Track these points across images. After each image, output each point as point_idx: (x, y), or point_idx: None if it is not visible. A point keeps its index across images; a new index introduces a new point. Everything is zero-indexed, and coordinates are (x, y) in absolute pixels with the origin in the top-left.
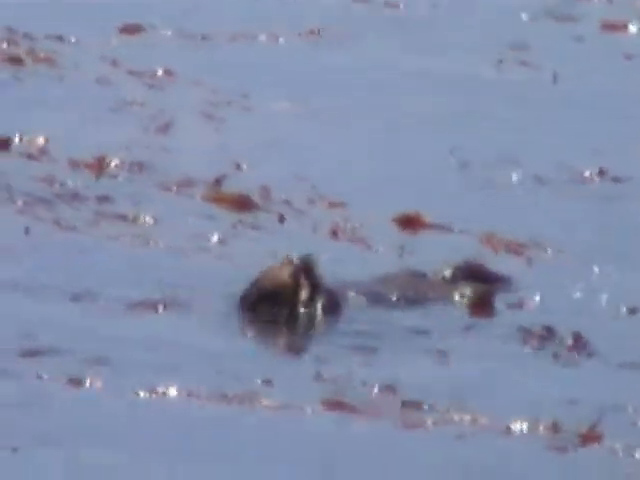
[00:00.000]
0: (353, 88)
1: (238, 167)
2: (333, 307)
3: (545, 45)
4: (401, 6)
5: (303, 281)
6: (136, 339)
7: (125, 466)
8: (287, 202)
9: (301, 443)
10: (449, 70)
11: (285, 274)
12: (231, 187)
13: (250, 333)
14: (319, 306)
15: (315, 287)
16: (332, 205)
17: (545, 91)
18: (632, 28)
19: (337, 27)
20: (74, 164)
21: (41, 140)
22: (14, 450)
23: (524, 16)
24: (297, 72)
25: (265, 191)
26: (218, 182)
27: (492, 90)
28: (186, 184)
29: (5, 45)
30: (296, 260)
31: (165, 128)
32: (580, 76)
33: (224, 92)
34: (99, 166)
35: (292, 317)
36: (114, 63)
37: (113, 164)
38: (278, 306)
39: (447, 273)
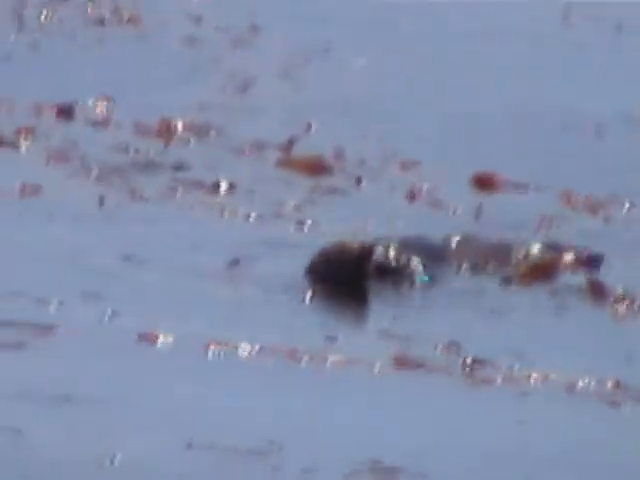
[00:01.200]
0: (430, 46)
1: (310, 127)
2: (400, 268)
3: None
4: None
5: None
6: (209, 299)
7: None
8: (361, 162)
9: (374, 399)
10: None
11: (354, 250)
12: (304, 148)
13: (317, 294)
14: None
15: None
16: (406, 165)
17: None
18: None
19: None
20: (141, 130)
21: (105, 104)
22: (88, 402)
23: None
24: (379, 28)
25: (339, 151)
26: (290, 144)
27: (556, 42)
28: (259, 147)
29: (90, 6)
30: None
31: (243, 88)
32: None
33: (306, 47)
34: (167, 131)
35: (358, 280)
36: (199, 20)
37: (180, 126)
38: (344, 274)
39: (518, 237)
